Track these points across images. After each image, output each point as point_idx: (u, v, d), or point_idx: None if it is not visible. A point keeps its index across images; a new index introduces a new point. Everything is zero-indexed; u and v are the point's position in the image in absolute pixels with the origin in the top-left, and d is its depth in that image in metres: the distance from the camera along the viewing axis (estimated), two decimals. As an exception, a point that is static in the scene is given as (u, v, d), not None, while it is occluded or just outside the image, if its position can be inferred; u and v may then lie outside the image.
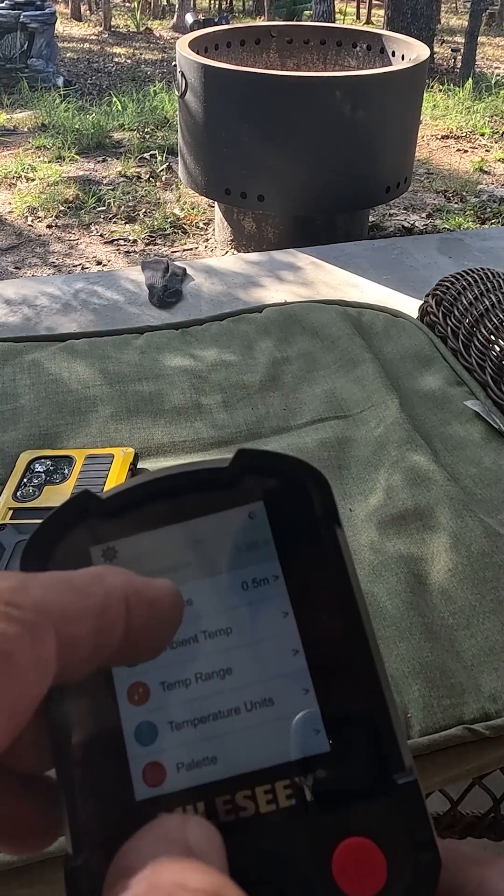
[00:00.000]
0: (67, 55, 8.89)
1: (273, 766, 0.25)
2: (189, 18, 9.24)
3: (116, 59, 8.93)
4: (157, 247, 4.11)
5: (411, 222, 4.46)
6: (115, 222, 4.37)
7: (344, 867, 0.23)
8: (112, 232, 4.26)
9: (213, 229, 4.19)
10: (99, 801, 0.25)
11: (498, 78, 7.63)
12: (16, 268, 3.85)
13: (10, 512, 1.02)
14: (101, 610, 0.23)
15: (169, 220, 4.34)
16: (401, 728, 0.25)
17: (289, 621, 0.26)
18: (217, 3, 12.60)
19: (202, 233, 4.25)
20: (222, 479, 0.28)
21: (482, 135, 6.13)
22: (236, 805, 0.24)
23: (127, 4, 12.09)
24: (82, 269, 3.86)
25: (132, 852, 0.21)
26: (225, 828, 0.24)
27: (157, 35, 10.38)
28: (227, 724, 0.25)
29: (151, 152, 5.32)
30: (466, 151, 5.82)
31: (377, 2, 11.28)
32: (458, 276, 1.48)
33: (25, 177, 4.92)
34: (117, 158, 5.30)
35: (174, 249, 4.08)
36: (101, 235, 4.22)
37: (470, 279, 1.45)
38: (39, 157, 5.30)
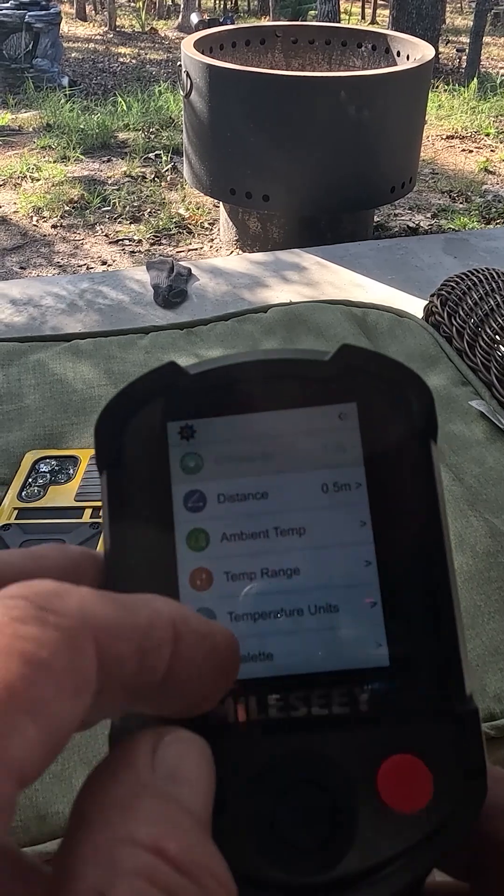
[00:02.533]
0: (72, 55, 8.89)
1: (329, 672, 0.24)
2: (194, 18, 9.24)
3: (121, 59, 8.94)
4: (162, 247, 4.11)
5: (416, 222, 4.46)
6: (120, 222, 4.37)
7: (389, 780, 0.23)
8: (117, 232, 4.26)
9: (218, 229, 4.19)
10: None
11: (503, 78, 7.62)
12: (21, 268, 3.86)
13: (16, 512, 1.02)
14: (146, 629, 0.20)
15: (174, 220, 4.34)
16: (467, 657, 0.25)
17: (366, 531, 0.25)
18: (222, 3, 12.60)
19: (207, 233, 4.25)
20: (319, 373, 0.27)
21: (487, 135, 6.12)
22: (288, 703, 0.24)
23: (132, 4, 12.09)
24: (87, 269, 3.86)
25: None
26: (275, 724, 0.24)
27: (162, 35, 10.38)
28: (288, 623, 0.25)
29: (156, 152, 5.32)
30: (471, 151, 5.81)
31: (382, 2, 11.27)
32: (463, 276, 1.48)
33: (30, 177, 4.92)
34: (122, 158, 5.30)
35: (179, 249, 4.08)
36: (106, 235, 4.22)
37: (475, 279, 1.45)
38: (44, 157, 5.30)
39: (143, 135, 5.70)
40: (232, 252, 3.95)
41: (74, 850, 0.18)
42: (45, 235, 4.21)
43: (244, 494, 0.26)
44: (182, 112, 3.84)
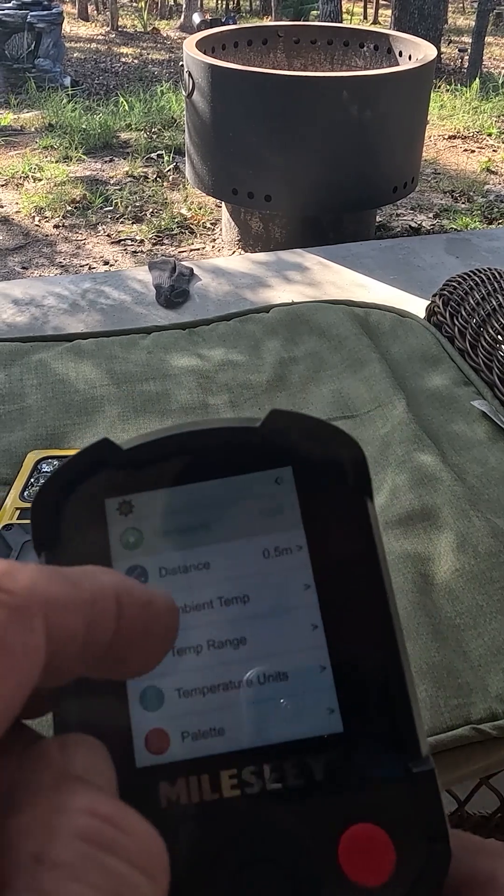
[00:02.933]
0: (74, 55, 8.89)
1: (283, 743, 0.24)
2: (196, 18, 9.25)
3: (123, 60, 8.94)
4: (164, 247, 4.11)
5: (418, 222, 4.46)
6: (122, 222, 4.37)
7: (351, 853, 0.23)
8: (119, 232, 4.26)
9: (221, 229, 4.19)
10: None
11: (505, 78, 7.62)
12: (23, 268, 3.86)
13: (18, 512, 1.02)
14: (91, 602, 0.21)
15: (176, 220, 4.34)
16: (420, 716, 0.24)
17: (310, 594, 0.25)
18: (224, 3, 12.60)
19: (209, 233, 4.25)
20: (251, 440, 0.27)
21: (489, 135, 6.12)
22: (242, 780, 0.24)
23: (134, 4, 12.10)
24: (89, 269, 3.86)
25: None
26: (229, 802, 0.23)
27: (165, 35, 10.39)
28: (237, 695, 0.24)
29: (158, 152, 5.32)
30: (473, 151, 5.81)
31: (384, 2, 11.27)
32: (466, 277, 1.47)
33: (32, 177, 4.92)
34: (124, 158, 5.30)
35: (181, 249, 4.08)
36: (108, 235, 4.22)
37: (477, 279, 1.45)
38: (46, 157, 5.31)
39: (145, 135, 5.70)
40: (234, 252, 3.95)
41: (8, 829, 0.19)
42: (47, 235, 4.21)
43: (186, 566, 0.26)
44: (184, 112, 3.85)
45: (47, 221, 4.35)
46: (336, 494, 0.26)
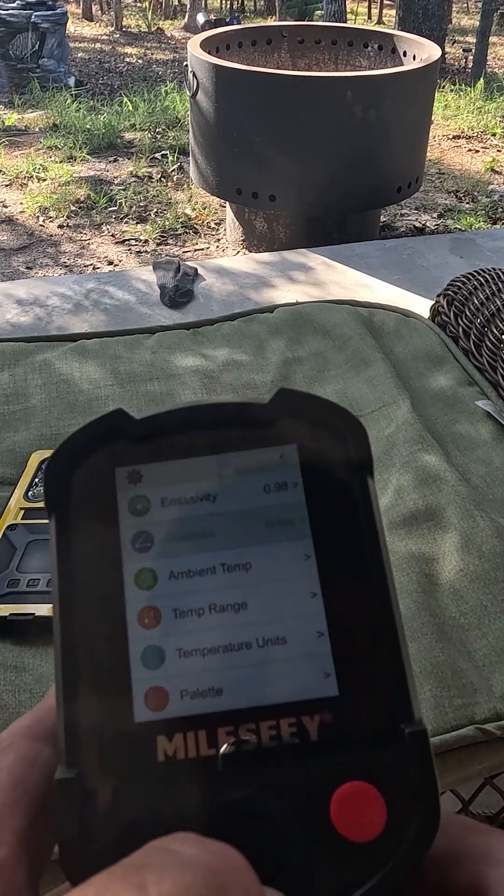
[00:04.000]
0: (79, 55, 8.90)
1: (279, 704, 0.25)
2: (200, 18, 9.26)
3: (128, 60, 8.94)
4: (168, 247, 4.11)
5: (423, 222, 4.45)
6: (126, 222, 4.37)
7: (342, 809, 0.23)
8: (123, 232, 4.26)
9: (225, 229, 4.19)
10: (97, 717, 0.25)
11: (510, 77, 7.61)
12: (27, 268, 3.86)
13: (22, 512, 1.02)
14: None
15: (180, 220, 4.34)
16: (413, 681, 0.25)
17: (310, 564, 0.26)
18: (228, 3, 12.60)
19: (213, 233, 4.25)
20: (259, 417, 0.28)
21: (493, 135, 6.12)
22: (239, 737, 0.24)
23: (138, 4, 12.10)
24: (93, 269, 3.86)
25: None
26: (225, 759, 0.24)
27: (169, 35, 10.39)
28: (236, 657, 0.25)
29: (163, 152, 5.32)
30: (478, 151, 5.81)
31: (388, 2, 11.26)
32: (470, 276, 1.47)
33: (37, 177, 4.93)
34: (129, 158, 5.30)
35: (185, 249, 4.08)
36: (112, 235, 4.23)
37: (481, 279, 1.45)
38: (51, 157, 5.31)
39: (149, 135, 5.70)
40: (238, 252, 3.95)
41: None
42: (51, 235, 4.22)
43: (190, 534, 0.27)
44: (188, 112, 3.84)
45: (51, 221, 4.36)
46: (338, 471, 0.27)
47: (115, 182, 4.92)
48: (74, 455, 0.28)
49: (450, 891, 0.23)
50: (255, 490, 0.27)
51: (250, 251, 3.90)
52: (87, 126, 5.71)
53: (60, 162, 5.19)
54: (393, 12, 8.67)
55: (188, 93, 3.69)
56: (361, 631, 0.26)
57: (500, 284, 1.42)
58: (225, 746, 0.24)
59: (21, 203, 4.57)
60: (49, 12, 7.41)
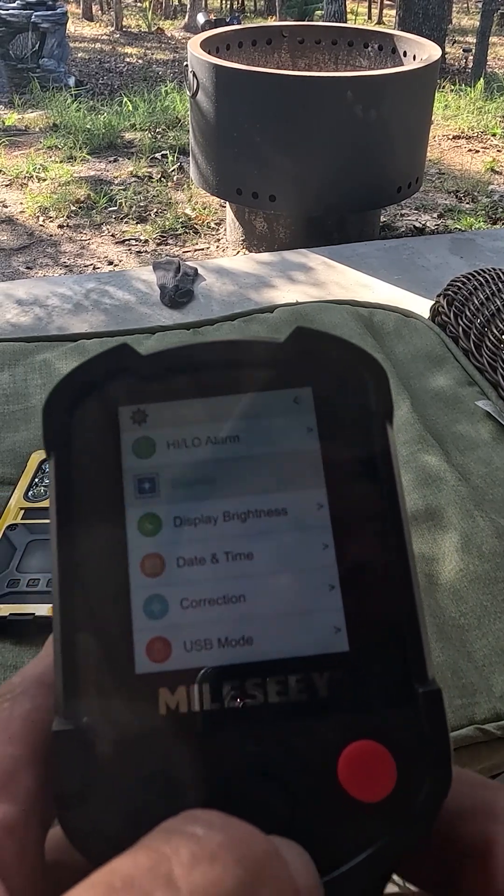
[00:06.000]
0: (79, 55, 8.90)
1: (287, 658, 0.24)
2: (200, 18, 9.26)
3: (128, 60, 8.94)
4: (168, 247, 4.11)
5: (423, 222, 4.45)
6: (126, 222, 4.37)
7: (351, 768, 0.23)
8: (123, 232, 4.26)
9: (225, 229, 4.19)
10: (97, 667, 0.24)
11: (510, 77, 7.61)
12: (27, 268, 3.86)
13: (22, 512, 1.02)
14: None
15: (180, 220, 4.34)
16: (428, 639, 0.24)
17: (322, 514, 0.25)
18: (228, 3, 12.60)
19: (213, 233, 4.25)
20: (273, 357, 0.26)
21: (494, 135, 6.12)
22: (244, 692, 0.23)
23: (138, 4, 12.10)
24: (94, 269, 3.86)
25: None
26: (229, 714, 0.23)
27: (169, 35, 10.39)
28: (242, 608, 0.24)
29: (163, 152, 5.32)
30: (478, 152, 5.81)
31: (389, 2, 11.26)
32: (470, 276, 1.47)
33: (37, 177, 4.93)
34: (129, 158, 5.30)
35: (185, 250, 4.08)
36: (112, 235, 4.23)
37: (481, 279, 1.45)
38: (51, 157, 5.31)
39: (149, 135, 5.70)
40: (238, 252, 3.95)
41: None
42: (51, 235, 4.22)
43: (196, 479, 0.25)
44: (188, 112, 3.84)
45: (51, 221, 4.36)
46: (355, 417, 0.26)
47: (116, 182, 4.92)
48: (76, 392, 0.26)
49: (456, 846, 0.23)
50: (266, 434, 0.26)
51: (250, 251, 3.90)
52: (88, 126, 5.71)
53: (60, 162, 5.19)
54: (393, 12, 8.67)
55: (188, 93, 3.69)
56: (375, 586, 0.24)
57: (501, 284, 1.42)
58: (229, 701, 0.23)
59: (21, 203, 4.57)
60: (49, 12, 7.41)
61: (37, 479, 1.07)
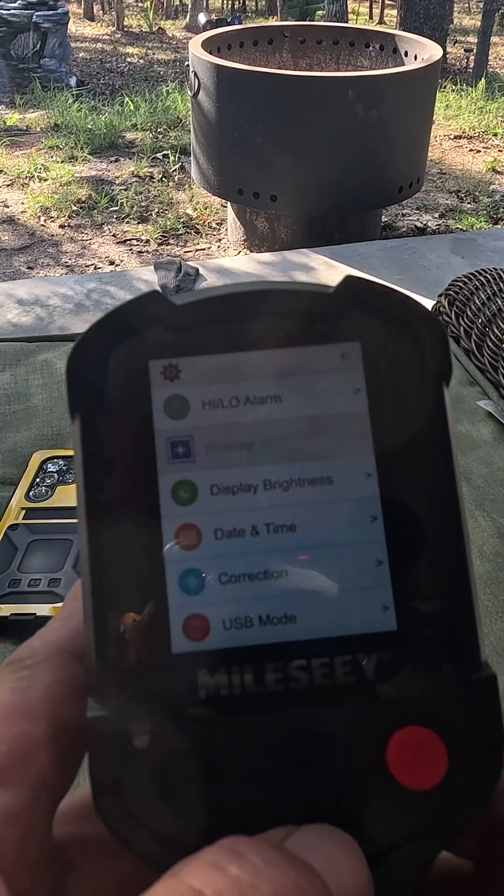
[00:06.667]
0: (80, 55, 8.90)
1: (332, 638, 0.22)
2: (202, 18, 9.24)
3: (129, 59, 8.95)
4: (169, 247, 4.12)
5: (424, 222, 4.45)
6: (127, 222, 4.38)
7: (400, 755, 0.21)
8: (125, 232, 4.26)
9: (226, 229, 4.19)
10: (131, 648, 0.22)
11: (511, 77, 7.62)
12: (28, 268, 3.86)
13: (23, 512, 1.02)
14: None
15: (181, 220, 4.35)
16: (480, 620, 0.23)
17: (370, 483, 0.23)
18: (230, 2, 12.60)
19: (215, 233, 4.25)
20: (320, 308, 0.24)
21: (495, 135, 6.12)
22: (288, 674, 0.22)
23: (139, 4, 12.11)
24: (95, 269, 3.86)
25: None
26: (273, 697, 0.22)
27: (170, 35, 10.39)
28: (284, 584, 0.23)
29: (164, 152, 5.32)
30: (479, 151, 5.81)
31: (390, 2, 11.26)
32: (471, 276, 1.47)
33: (38, 177, 4.93)
34: (130, 158, 5.30)
35: (187, 250, 4.08)
36: (113, 235, 4.23)
37: (482, 279, 1.45)
38: (52, 157, 5.31)
39: (150, 135, 5.70)
40: (240, 252, 3.95)
41: None
42: (52, 235, 4.22)
43: (235, 444, 0.23)
44: (190, 112, 3.85)
45: (53, 221, 4.36)
46: (409, 377, 0.24)
47: (117, 182, 4.92)
48: (100, 346, 0.23)
49: (496, 815, 0.23)
50: (310, 395, 0.23)
51: (252, 251, 3.90)
52: (89, 126, 5.71)
53: (62, 162, 5.20)
54: (394, 12, 8.67)
55: (189, 93, 3.69)
56: (426, 562, 0.23)
57: (502, 284, 1.42)
58: (273, 684, 0.22)
59: (22, 203, 4.57)
60: (50, 12, 7.41)
61: (38, 480, 1.07)
